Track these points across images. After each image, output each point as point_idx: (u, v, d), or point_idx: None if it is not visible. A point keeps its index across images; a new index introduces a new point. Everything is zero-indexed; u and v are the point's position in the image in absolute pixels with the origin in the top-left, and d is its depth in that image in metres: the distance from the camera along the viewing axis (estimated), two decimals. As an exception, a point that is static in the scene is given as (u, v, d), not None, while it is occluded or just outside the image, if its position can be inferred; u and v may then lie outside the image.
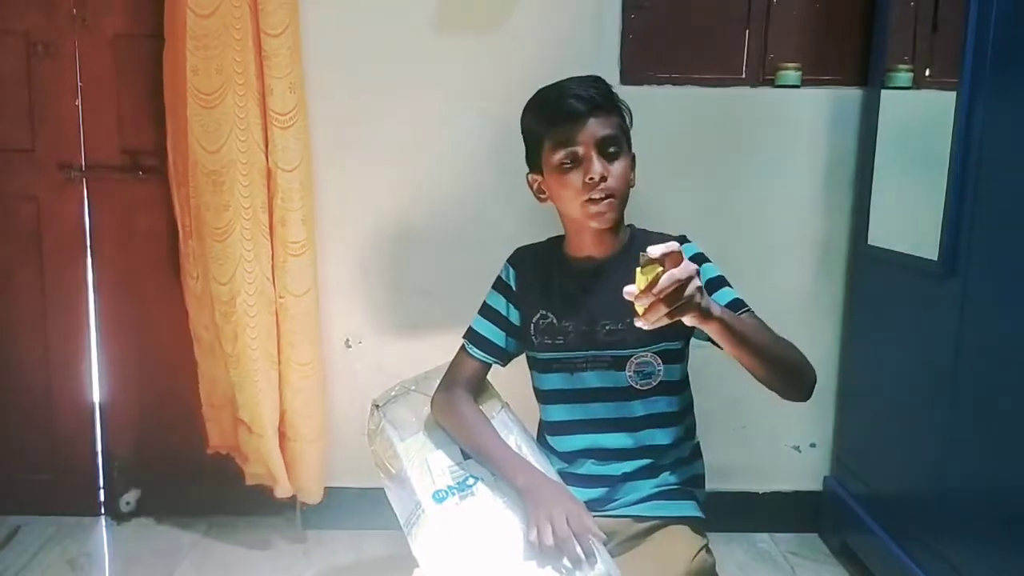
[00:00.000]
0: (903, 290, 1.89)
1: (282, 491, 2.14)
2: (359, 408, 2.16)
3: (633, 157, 1.40)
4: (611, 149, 1.33)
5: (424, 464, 1.37)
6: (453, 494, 1.32)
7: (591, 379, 1.40)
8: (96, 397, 2.32)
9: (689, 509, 1.41)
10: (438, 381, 1.50)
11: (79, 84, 2.18)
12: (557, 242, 1.49)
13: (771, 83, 2.13)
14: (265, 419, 2.06)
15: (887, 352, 1.97)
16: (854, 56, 2.11)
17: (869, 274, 2.09)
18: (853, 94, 2.12)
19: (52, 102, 2.18)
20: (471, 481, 1.34)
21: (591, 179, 1.31)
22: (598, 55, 2.07)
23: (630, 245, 1.42)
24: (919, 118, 1.93)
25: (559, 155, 1.33)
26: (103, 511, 2.37)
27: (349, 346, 2.22)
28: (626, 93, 1.42)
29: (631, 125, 1.41)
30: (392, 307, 2.21)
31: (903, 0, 2.00)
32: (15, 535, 2.24)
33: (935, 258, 1.68)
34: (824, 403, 2.23)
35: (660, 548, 1.34)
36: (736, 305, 1.34)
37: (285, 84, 1.96)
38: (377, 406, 1.51)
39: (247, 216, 1.97)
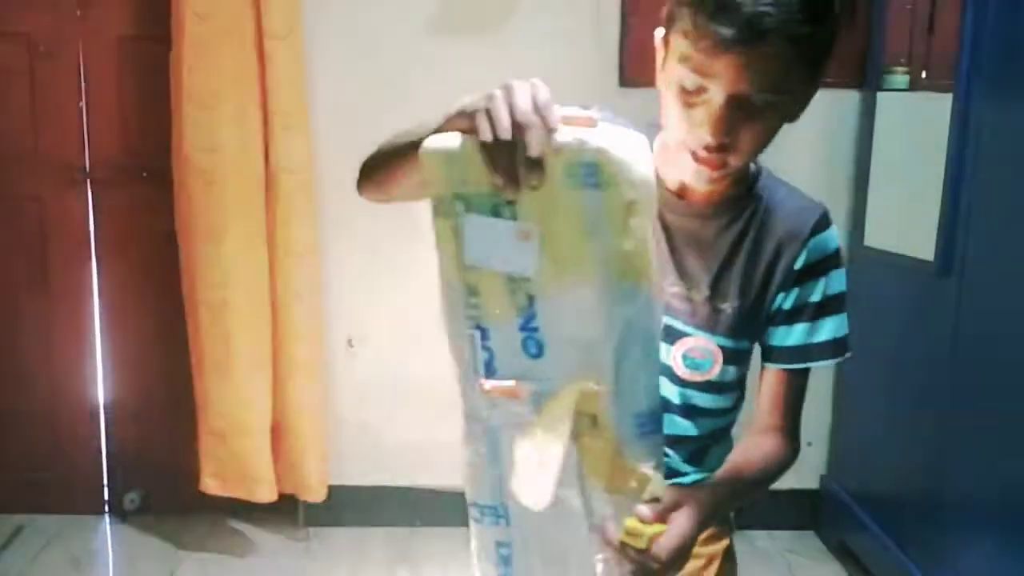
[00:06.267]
0: (900, 290, 1.91)
1: (266, 494, 2.10)
2: (361, 407, 2.18)
3: (814, 88, 0.93)
4: (756, 104, 0.87)
5: None
6: None
7: None
8: (100, 397, 2.33)
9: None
10: None
11: (83, 86, 2.18)
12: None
13: (769, 85, 2.14)
14: (253, 421, 2.05)
15: (884, 352, 1.98)
16: (851, 58, 2.12)
17: (866, 275, 2.09)
18: (850, 96, 2.13)
19: (56, 104, 2.19)
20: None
21: (705, 142, 0.87)
22: (598, 56, 2.08)
23: (749, 196, 1.01)
24: (916, 120, 1.94)
25: (680, 73, 0.85)
26: (107, 510, 2.37)
27: (352, 346, 2.23)
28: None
29: (838, 35, 0.89)
30: (395, 308, 2.21)
31: (900, 2, 2.01)
32: (19, 534, 2.25)
33: (931, 259, 1.69)
34: (821, 402, 2.24)
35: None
36: (823, 350, 0.98)
37: (288, 86, 1.97)
38: None
39: (241, 218, 1.98)
